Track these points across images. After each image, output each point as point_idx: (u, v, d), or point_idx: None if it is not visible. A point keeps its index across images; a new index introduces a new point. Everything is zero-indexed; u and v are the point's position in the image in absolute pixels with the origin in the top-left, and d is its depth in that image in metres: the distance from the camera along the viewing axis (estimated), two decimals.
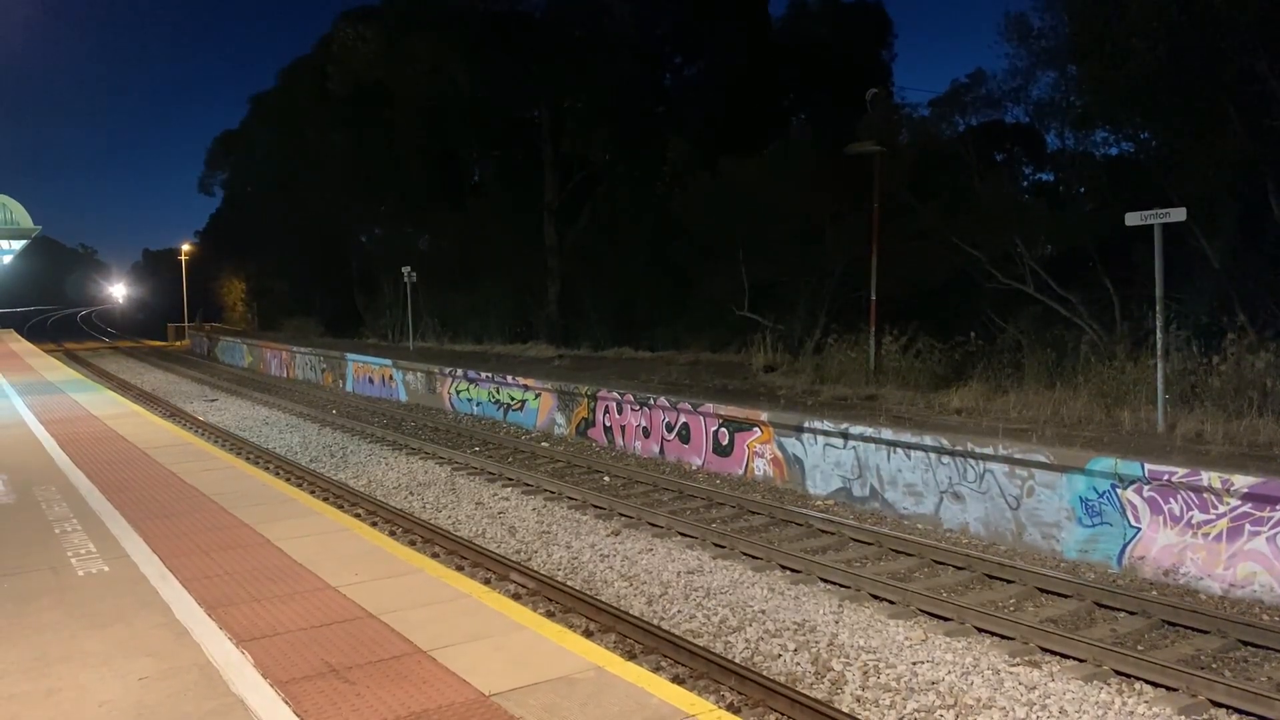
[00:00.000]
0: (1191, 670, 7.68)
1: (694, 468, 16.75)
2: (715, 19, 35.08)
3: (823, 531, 12.36)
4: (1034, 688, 7.63)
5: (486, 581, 10.13)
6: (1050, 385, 16.41)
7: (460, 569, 10.48)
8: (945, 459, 12.60)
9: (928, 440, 12.88)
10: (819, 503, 14.10)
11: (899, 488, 13.25)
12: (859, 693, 7.61)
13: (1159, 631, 8.87)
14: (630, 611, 9.39)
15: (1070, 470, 11.15)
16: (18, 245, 25.52)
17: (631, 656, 8.04)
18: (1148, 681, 7.70)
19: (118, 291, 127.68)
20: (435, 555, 11.13)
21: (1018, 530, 11.68)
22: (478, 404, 24.03)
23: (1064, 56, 22.11)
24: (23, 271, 73.58)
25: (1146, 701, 7.40)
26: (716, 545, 11.79)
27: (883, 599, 9.76)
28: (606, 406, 19.22)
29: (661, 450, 17.68)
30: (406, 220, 46.47)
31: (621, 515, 13.41)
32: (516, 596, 9.70)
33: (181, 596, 6.88)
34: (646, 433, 18.08)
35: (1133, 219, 13.46)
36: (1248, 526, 9.62)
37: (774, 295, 27.82)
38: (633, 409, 18.47)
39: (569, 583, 10.41)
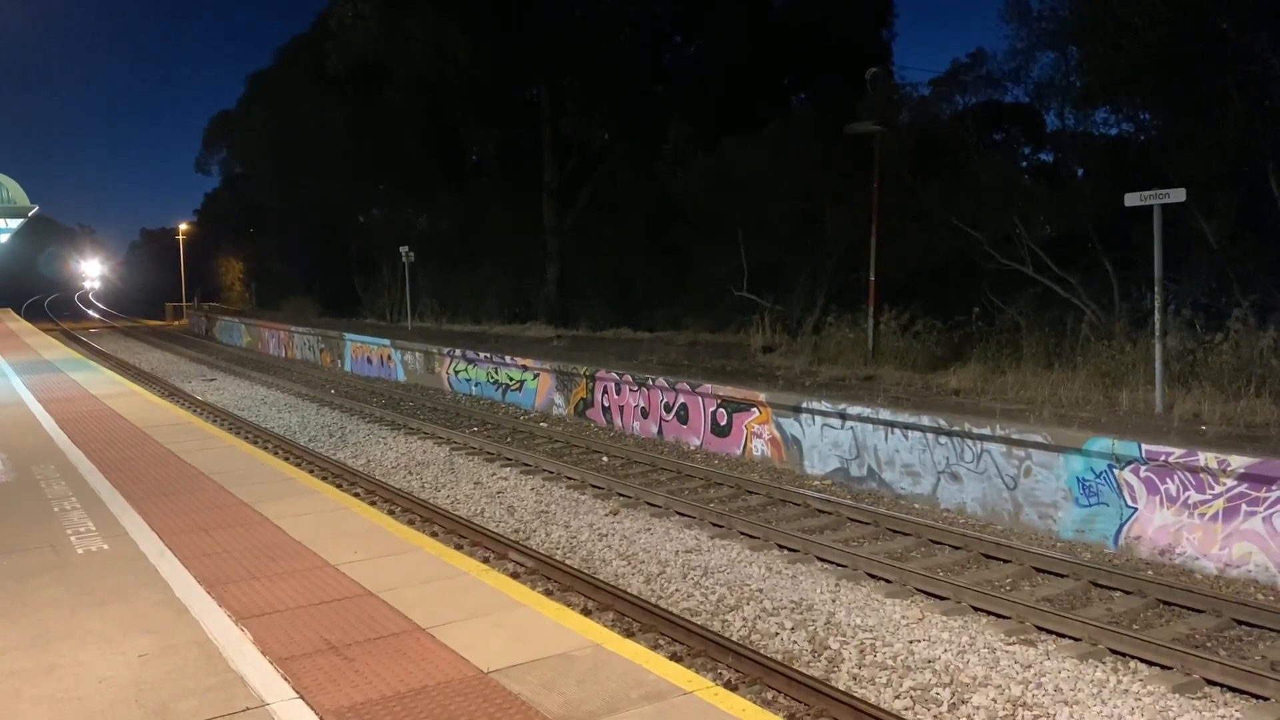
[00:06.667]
0: (1186, 649, 7.72)
1: (692, 448, 16.77)
2: None
3: (820, 511, 12.40)
4: (1029, 666, 7.67)
5: (485, 560, 10.16)
6: (1048, 366, 16.42)
7: (459, 547, 10.51)
8: (943, 439, 12.63)
9: (925, 420, 12.90)
10: (816, 483, 14.14)
11: (896, 468, 13.28)
12: (855, 671, 7.65)
13: (1154, 611, 8.92)
14: (628, 590, 9.43)
15: (1068, 450, 11.17)
16: (14, 224, 25.38)
17: (629, 634, 8.07)
18: (1143, 660, 7.74)
19: (91, 269, 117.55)
20: (434, 534, 11.16)
21: (1015, 510, 11.72)
22: (476, 384, 24.04)
23: (1064, 36, 22.00)
24: (20, 251, 73.34)
25: (1141, 680, 7.44)
26: (714, 525, 11.83)
27: (880, 578, 9.80)
28: (605, 387, 19.23)
29: (660, 430, 17.70)
30: (405, 200, 46.35)
31: (620, 495, 13.44)
32: (515, 575, 9.73)
33: (181, 574, 6.91)
34: (645, 413, 18.10)
35: (1132, 200, 13.43)
36: (1244, 507, 9.65)
37: (773, 276, 27.78)
38: (631, 389, 18.48)
39: (567, 561, 10.45)
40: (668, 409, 17.52)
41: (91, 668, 5.33)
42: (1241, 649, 8.09)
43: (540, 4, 34.89)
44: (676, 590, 9.62)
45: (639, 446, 16.89)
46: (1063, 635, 8.27)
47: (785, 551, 10.80)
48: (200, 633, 5.80)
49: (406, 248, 33.77)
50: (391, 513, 12.11)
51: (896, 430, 13.28)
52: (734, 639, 8.12)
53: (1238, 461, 9.70)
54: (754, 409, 15.68)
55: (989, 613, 8.82)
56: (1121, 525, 10.65)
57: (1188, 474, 10.11)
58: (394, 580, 6.73)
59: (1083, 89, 22.12)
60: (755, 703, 6.39)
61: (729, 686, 7.00)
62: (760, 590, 9.52)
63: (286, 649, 5.52)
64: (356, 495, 12.75)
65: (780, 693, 7.17)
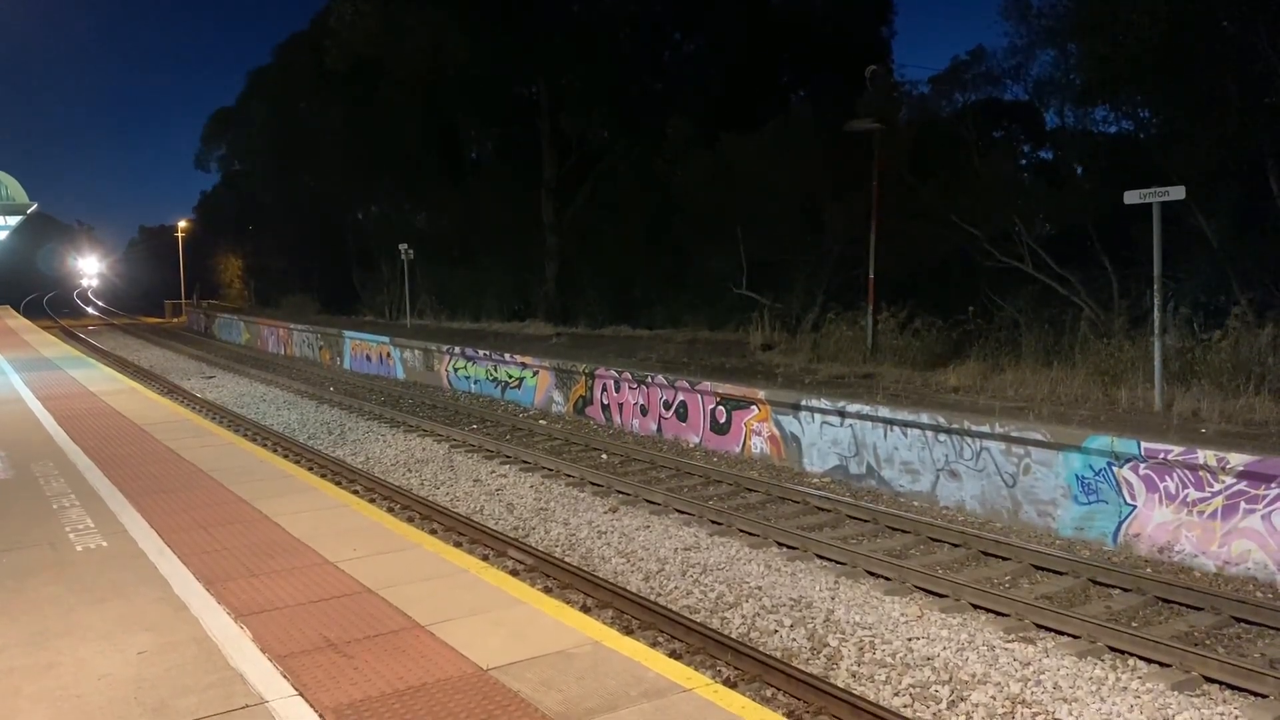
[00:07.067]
0: (1185, 647, 7.73)
1: (691, 445, 16.77)
2: None
3: (819, 509, 12.40)
4: (1028, 664, 7.68)
5: (485, 557, 10.16)
6: (1047, 364, 16.43)
7: (458, 545, 10.51)
8: (942, 437, 12.63)
9: (924, 418, 12.90)
10: (816, 480, 14.14)
11: (895, 465, 13.28)
12: (854, 668, 7.65)
13: (1153, 608, 8.92)
14: (628, 587, 9.43)
15: (1067, 448, 11.17)
16: (13, 221, 25.40)
17: (629, 631, 8.08)
18: (1141, 658, 7.74)
19: (90, 266, 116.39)
20: (433, 531, 11.16)
21: (1014, 508, 11.72)
22: (475, 382, 24.03)
23: (1064, 33, 22.02)
24: (18, 249, 73.24)
25: (1140, 677, 7.44)
26: (713, 522, 11.83)
27: (879, 575, 9.80)
28: (604, 384, 19.22)
29: (659, 428, 17.70)
30: (404, 198, 46.34)
31: (619, 492, 13.44)
32: (514, 572, 9.73)
33: (180, 571, 6.90)
34: (644, 411, 18.09)
35: (1131, 197, 13.43)
36: (1243, 504, 9.65)
37: (772, 273, 27.80)
38: (630, 387, 18.47)
39: (567, 559, 10.45)
40: (667, 406, 17.52)
41: (90, 665, 5.32)
42: (1240, 646, 8.09)
43: (540, 1, 34.88)
44: (675, 588, 9.62)
45: (638, 444, 16.89)
46: (1062, 633, 8.28)
47: (784, 549, 10.80)
48: (199, 630, 5.79)
49: (405, 245, 33.75)
50: (390, 510, 12.12)
51: (895, 428, 13.28)
52: (733, 636, 8.12)
53: (1237, 459, 9.70)
54: (753, 406, 15.68)
55: (988, 610, 8.82)
56: (1120, 523, 10.65)
57: (1187, 472, 10.11)
58: (393, 578, 6.72)
59: (1082, 86, 22.14)
60: (754, 700, 6.40)
61: (728, 684, 7.01)
62: (759, 588, 9.52)
63: (286, 646, 5.52)
64: (355, 493, 12.75)
65: (779, 690, 7.18)
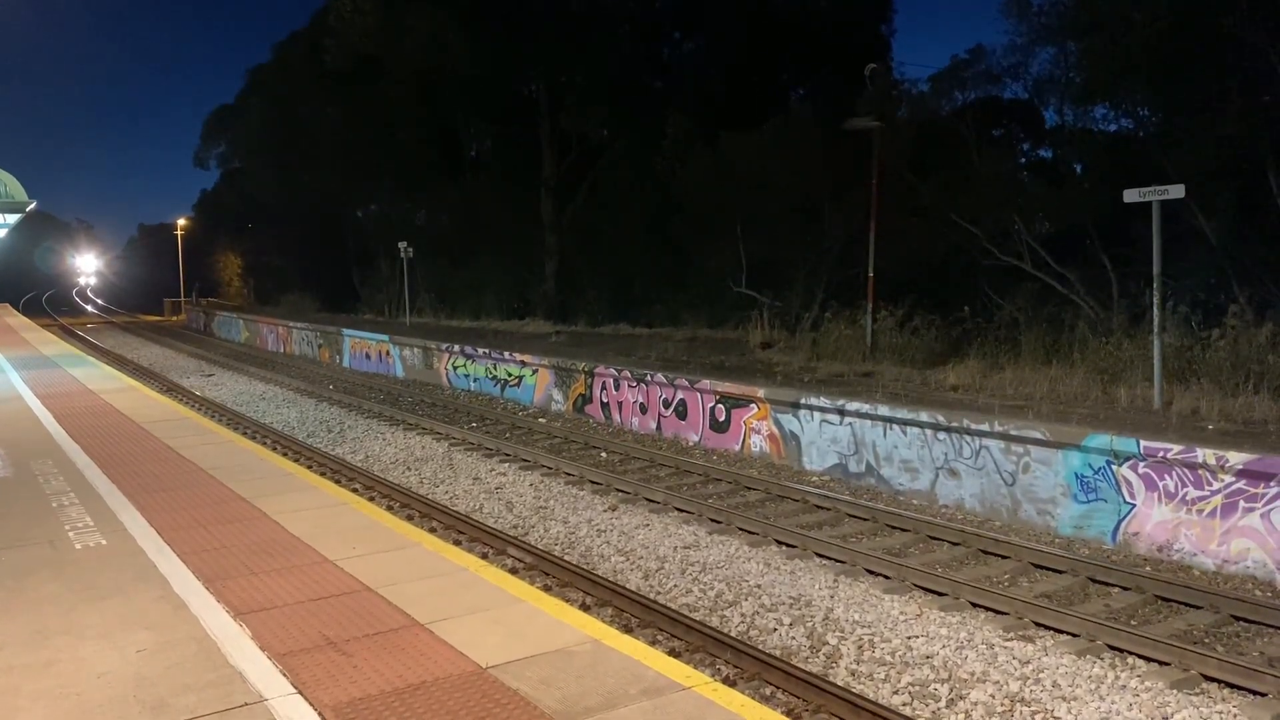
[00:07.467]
0: (1184, 645, 7.73)
1: (691, 444, 16.77)
2: None
3: (819, 507, 12.40)
4: (1028, 662, 7.68)
5: (484, 556, 10.16)
6: (1047, 362, 16.43)
7: (458, 543, 10.52)
8: (941, 435, 12.63)
9: (924, 416, 12.90)
10: (815, 479, 14.14)
11: (895, 464, 13.28)
12: (854, 666, 7.66)
13: (1152, 607, 8.92)
14: (627, 586, 9.44)
15: (1066, 447, 11.18)
16: (12, 219, 25.35)
17: (628, 630, 8.08)
18: (1140, 656, 7.75)
19: (88, 264, 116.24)
20: (433, 529, 11.16)
21: (1013, 506, 11.73)
22: (475, 380, 24.03)
23: (1064, 32, 22.04)
24: (18, 247, 73.16)
25: (1139, 676, 7.45)
26: (713, 520, 11.83)
27: (878, 574, 9.81)
28: (604, 383, 19.22)
29: (658, 426, 17.70)
30: (404, 196, 46.33)
31: (618, 491, 13.44)
32: (514, 571, 9.73)
33: (179, 570, 6.90)
34: (644, 409, 18.09)
35: (1131, 196, 13.42)
36: (1241, 503, 9.66)
37: (772, 272, 27.81)
38: (630, 385, 18.48)
39: (566, 557, 10.45)
40: (666, 405, 17.52)
41: (90, 663, 5.32)
42: (1239, 645, 8.09)
43: None
44: (675, 586, 9.62)
45: (637, 442, 16.89)
46: (1061, 631, 8.28)
47: (784, 547, 10.80)
48: (199, 628, 5.79)
49: (405, 243, 33.75)
50: (390, 508, 12.11)
51: (895, 426, 13.28)
52: (732, 634, 8.13)
53: (1236, 458, 9.70)
54: (752, 405, 15.68)
55: (987, 609, 8.83)
56: (1120, 521, 10.65)
57: (1186, 470, 10.11)
58: (392, 576, 6.72)
59: (1082, 85, 22.17)
60: (754, 698, 6.40)
61: (727, 682, 7.01)
62: (758, 586, 9.52)
63: (285, 644, 5.52)
64: (355, 491, 12.74)
65: (779, 688, 7.18)
